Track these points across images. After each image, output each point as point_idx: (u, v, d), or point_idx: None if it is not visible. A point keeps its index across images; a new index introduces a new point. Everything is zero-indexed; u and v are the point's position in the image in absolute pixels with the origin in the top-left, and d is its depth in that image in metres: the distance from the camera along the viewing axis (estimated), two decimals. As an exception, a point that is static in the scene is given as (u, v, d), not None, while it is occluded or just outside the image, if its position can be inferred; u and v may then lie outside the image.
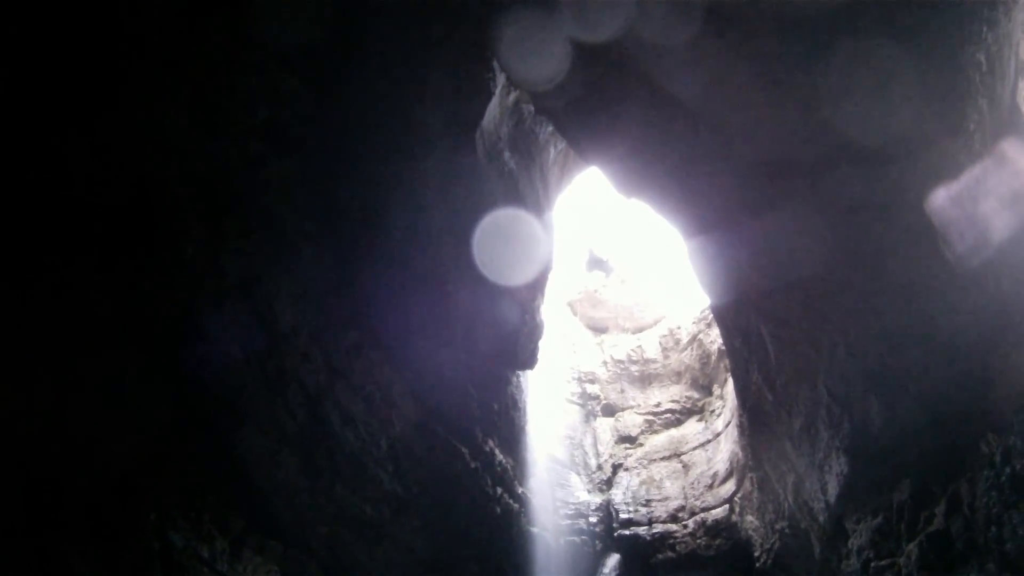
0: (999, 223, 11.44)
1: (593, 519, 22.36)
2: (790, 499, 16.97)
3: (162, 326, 11.66)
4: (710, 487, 21.63)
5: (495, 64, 14.23)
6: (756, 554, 19.02)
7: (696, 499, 21.68)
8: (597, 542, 21.87)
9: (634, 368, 27.66)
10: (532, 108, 16.36)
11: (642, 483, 23.15)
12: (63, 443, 10.75)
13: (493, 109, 15.25)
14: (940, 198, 11.43)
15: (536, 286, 19.25)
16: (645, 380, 27.46)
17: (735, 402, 20.18)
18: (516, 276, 17.63)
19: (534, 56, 12.53)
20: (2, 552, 10.02)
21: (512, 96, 16.16)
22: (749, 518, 19.45)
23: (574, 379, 27.22)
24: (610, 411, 26.67)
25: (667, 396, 26.75)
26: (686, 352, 27.33)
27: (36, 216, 10.02)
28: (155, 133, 10.64)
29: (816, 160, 11.99)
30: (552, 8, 11.46)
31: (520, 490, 19.62)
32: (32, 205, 9.94)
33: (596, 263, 27.56)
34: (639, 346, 28.54)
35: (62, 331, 10.58)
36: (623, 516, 22.04)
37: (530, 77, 13.36)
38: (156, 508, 12.07)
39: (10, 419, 10.16)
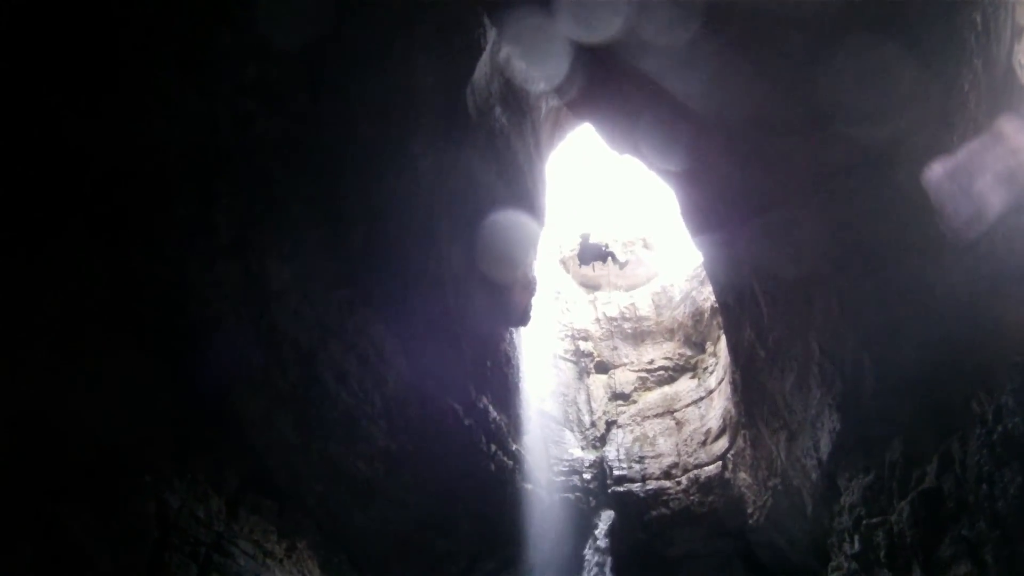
0: (995, 199, 11.39)
1: (587, 476, 22.49)
2: (782, 456, 17.04)
3: (153, 288, 11.59)
4: (703, 444, 21.72)
5: (486, 20, 14.06)
6: (749, 511, 19.14)
7: (689, 456, 21.79)
8: (591, 499, 22.01)
9: (627, 325, 27.68)
10: (524, 64, 16.22)
11: (635, 440, 23.26)
12: (57, 410, 10.73)
13: (484, 65, 15.10)
14: (936, 173, 11.37)
15: (529, 241, 19.21)
16: (638, 337, 27.50)
17: (728, 359, 20.22)
18: (508, 231, 17.57)
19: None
20: (1, 517, 10.03)
21: (503, 52, 15.99)
22: (742, 475, 19.55)
23: (567, 336, 27.27)
24: (603, 368, 26.75)
25: (660, 353, 26.80)
26: (679, 309, 27.34)
27: (25, 179, 9.91)
28: (143, 93, 10.50)
29: (809, 118, 11.91)
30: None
31: (514, 447, 19.69)
32: (22, 168, 9.83)
33: (592, 252, 26.29)
34: (632, 303, 28.54)
35: (54, 299, 10.52)
36: (617, 473, 22.16)
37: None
38: (151, 470, 12.09)
39: (2, 387, 10.13)
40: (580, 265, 26.03)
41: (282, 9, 11.07)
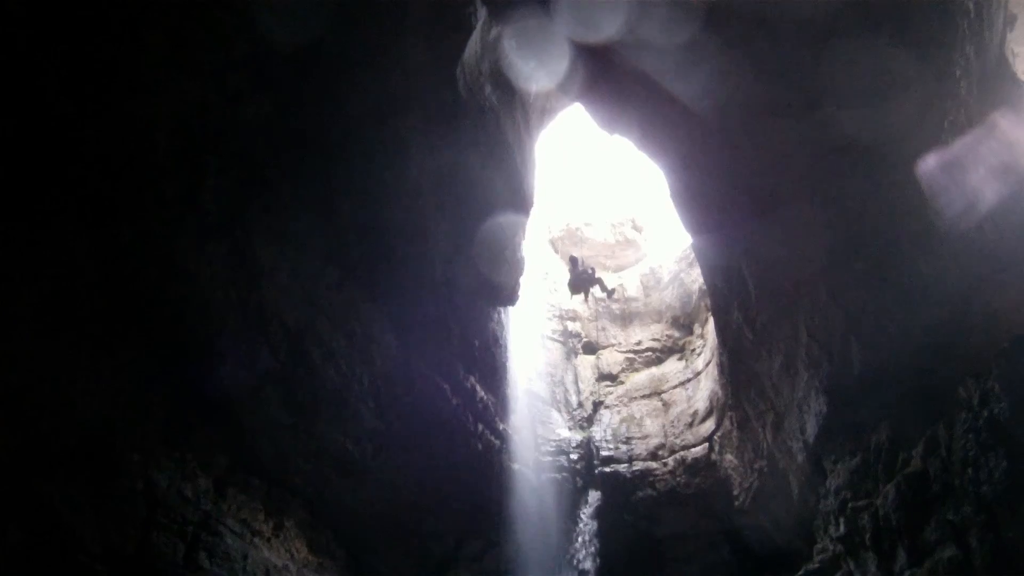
0: (988, 193, 11.43)
1: (574, 456, 22.55)
2: (769, 438, 17.12)
3: (142, 268, 11.53)
4: (690, 425, 21.79)
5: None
6: (735, 492, 19.23)
7: (676, 437, 21.85)
8: (578, 479, 22.08)
9: (615, 306, 27.71)
10: (514, 43, 16.14)
11: (623, 421, 23.32)
12: (44, 391, 10.70)
13: (474, 43, 15.02)
14: (929, 166, 11.40)
15: (518, 221, 19.18)
16: (626, 318, 27.54)
17: (715, 341, 20.27)
18: (497, 211, 17.54)
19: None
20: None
21: (494, 31, 15.91)
22: (728, 457, 19.63)
23: (555, 317, 27.27)
24: (591, 349, 26.80)
25: (648, 335, 26.86)
26: (667, 291, 27.38)
27: (11, 160, 9.82)
28: (131, 70, 10.39)
29: (801, 103, 11.92)
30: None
31: (501, 426, 19.73)
32: (7, 149, 9.74)
33: (583, 279, 25.04)
34: (620, 284, 28.55)
35: (40, 281, 10.45)
36: (604, 453, 22.23)
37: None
38: (139, 449, 12.08)
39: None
40: (572, 296, 25.53)
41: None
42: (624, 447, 22.29)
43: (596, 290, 25.95)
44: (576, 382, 25.71)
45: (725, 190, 14.68)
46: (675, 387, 23.67)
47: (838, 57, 10.82)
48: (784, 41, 11.14)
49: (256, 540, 14.03)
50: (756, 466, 18.08)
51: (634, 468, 21.63)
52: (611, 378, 25.71)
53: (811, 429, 15.12)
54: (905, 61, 10.87)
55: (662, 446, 21.88)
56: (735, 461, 19.29)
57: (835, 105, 11.58)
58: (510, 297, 20.04)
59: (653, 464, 21.53)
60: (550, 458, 22.28)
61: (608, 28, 11.90)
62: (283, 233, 13.11)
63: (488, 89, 16.11)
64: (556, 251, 30.31)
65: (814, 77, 11.24)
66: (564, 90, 16.62)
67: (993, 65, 11.86)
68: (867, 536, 13.20)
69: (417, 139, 14.45)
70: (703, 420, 21.38)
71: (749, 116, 12.55)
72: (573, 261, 24.78)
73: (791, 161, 12.86)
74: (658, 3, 11.16)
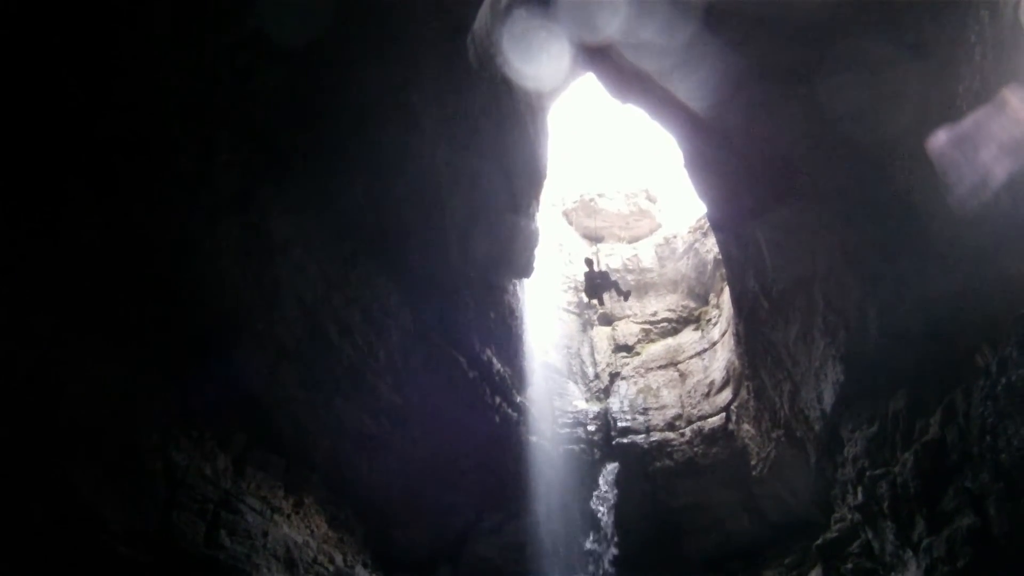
0: (999, 169, 11.31)
1: (591, 427, 22.56)
2: (786, 407, 17.08)
3: (155, 247, 11.54)
4: (707, 396, 21.77)
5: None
6: (752, 462, 19.22)
7: (693, 408, 21.84)
8: (595, 450, 22.10)
9: (630, 277, 27.62)
10: (525, 12, 16.03)
11: (639, 392, 23.30)
12: (63, 371, 10.75)
13: (485, 13, 14.90)
14: (941, 142, 11.29)
15: (531, 192, 19.12)
16: (641, 289, 27.46)
17: (731, 311, 20.21)
18: (510, 181, 17.49)
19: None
20: (10, 478, 10.08)
21: (504, 1, 15.79)
22: (745, 426, 19.61)
23: (570, 288, 27.22)
24: (607, 320, 26.76)
25: (664, 305, 26.80)
26: (682, 261, 27.29)
27: (25, 137, 9.83)
28: (141, 47, 10.36)
29: (815, 60, 11.84)
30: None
31: (518, 399, 19.76)
32: (22, 126, 9.74)
33: (598, 284, 24.28)
34: (635, 255, 28.49)
35: (56, 259, 10.48)
36: (621, 424, 22.23)
37: None
38: (158, 428, 12.14)
39: (10, 349, 10.14)
40: (589, 301, 25.16)
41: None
42: (641, 418, 22.28)
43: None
44: (592, 353, 25.70)
45: (740, 158, 14.58)
46: (691, 357, 23.63)
47: (853, 19, 10.75)
48: None
49: (276, 517, 14.11)
50: (773, 435, 18.06)
51: (651, 439, 21.63)
52: (627, 349, 25.68)
53: (828, 398, 15.08)
54: (920, 24, 10.77)
55: (679, 416, 21.87)
56: (752, 431, 19.27)
57: (847, 71, 11.51)
58: (525, 269, 20.03)
59: (670, 434, 21.52)
60: (567, 430, 22.31)
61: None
62: (297, 208, 13.11)
63: (499, 60, 16.01)
64: (570, 223, 30.22)
65: (827, 41, 11.18)
66: (576, 60, 16.51)
67: (1007, 31, 11.69)
68: (885, 505, 13.17)
69: (429, 110, 14.40)
70: (720, 390, 21.35)
71: (761, 79, 12.49)
72: (588, 263, 24.43)
73: (806, 125, 12.78)
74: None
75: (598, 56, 15.18)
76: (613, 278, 24.08)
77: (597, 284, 23.32)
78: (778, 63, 11.99)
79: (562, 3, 13.91)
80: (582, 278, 24.85)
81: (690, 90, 13.03)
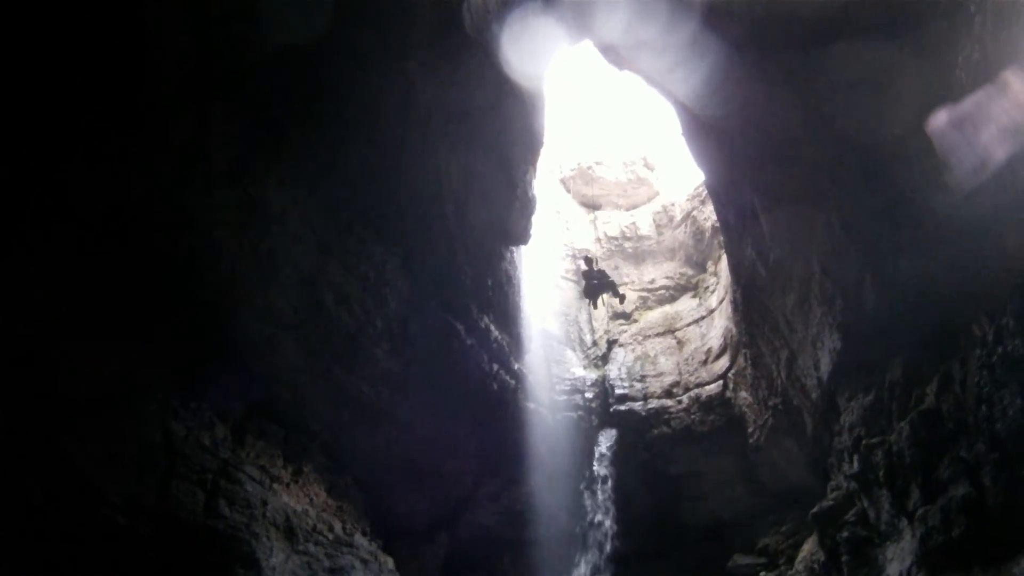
0: (999, 151, 11.24)
1: (589, 395, 22.69)
2: (783, 375, 17.14)
3: (152, 218, 11.49)
4: (704, 363, 21.86)
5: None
6: (749, 430, 19.34)
7: (690, 375, 21.94)
8: (593, 417, 22.23)
9: (628, 245, 27.69)
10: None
11: (637, 359, 23.41)
12: (60, 343, 10.75)
13: (482, -19, 14.82)
14: (941, 122, 11.22)
15: (528, 159, 19.07)
16: (639, 257, 27.53)
17: (729, 278, 20.25)
18: (507, 148, 17.44)
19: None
20: (8, 451, 10.11)
21: (501, -31, 15.68)
22: (743, 394, 19.70)
23: (568, 256, 27.24)
24: (605, 288, 26.76)
25: (661, 273, 26.88)
26: (680, 229, 27.31)
27: (21, 112, 9.76)
28: (135, 18, 10.26)
29: (812, 32, 11.77)
30: None
31: (516, 366, 19.81)
32: (18, 101, 9.67)
33: (596, 286, 23.83)
34: (633, 223, 28.51)
35: (50, 235, 10.43)
36: (618, 391, 22.34)
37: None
38: (155, 400, 12.16)
39: (8, 323, 10.13)
40: (590, 303, 24.91)
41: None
42: (639, 385, 22.40)
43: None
44: (590, 321, 25.77)
45: (736, 126, 14.53)
46: (689, 325, 23.72)
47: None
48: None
49: (275, 486, 14.18)
50: (770, 403, 18.14)
51: (649, 406, 21.75)
52: (625, 316, 25.78)
53: (825, 366, 15.12)
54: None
55: (676, 384, 21.98)
56: (749, 398, 19.36)
57: (847, 39, 11.44)
58: (522, 236, 20.02)
59: (668, 402, 21.64)
60: (565, 397, 22.42)
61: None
62: (292, 178, 13.05)
63: (495, 28, 15.90)
64: (568, 190, 30.20)
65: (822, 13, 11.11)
66: (573, 26, 16.40)
67: (1007, 1, 11.59)
68: (881, 473, 13.25)
69: (425, 78, 14.31)
70: (717, 357, 21.44)
71: (756, 50, 12.42)
72: (587, 262, 23.95)
73: (804, 92, 12.72)
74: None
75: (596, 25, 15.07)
76: (610, 278, 23.86)
77: (595, 284, 23.26)
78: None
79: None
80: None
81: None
